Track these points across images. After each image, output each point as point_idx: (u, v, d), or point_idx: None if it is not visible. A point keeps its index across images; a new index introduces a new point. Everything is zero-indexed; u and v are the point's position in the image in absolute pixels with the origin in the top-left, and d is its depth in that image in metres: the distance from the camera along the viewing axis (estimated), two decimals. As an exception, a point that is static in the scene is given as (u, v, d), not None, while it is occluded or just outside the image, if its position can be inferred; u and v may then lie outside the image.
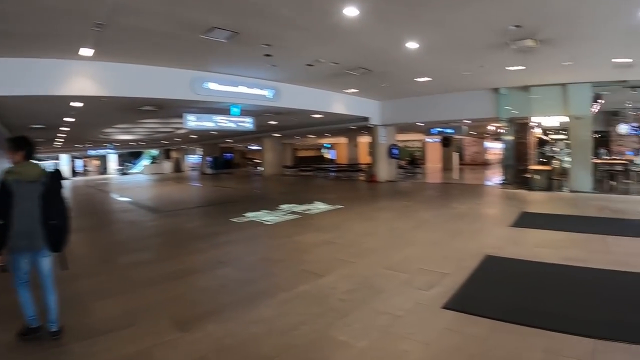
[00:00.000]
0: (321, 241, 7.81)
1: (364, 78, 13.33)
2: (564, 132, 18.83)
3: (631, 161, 16.90)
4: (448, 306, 4.53)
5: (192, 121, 13.19)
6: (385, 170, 20.50)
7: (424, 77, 13.71)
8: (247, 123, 14.33)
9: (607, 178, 14.78)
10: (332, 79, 13.50)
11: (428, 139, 32.63)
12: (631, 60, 10.98)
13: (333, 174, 27.28)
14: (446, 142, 30.30)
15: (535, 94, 15.08)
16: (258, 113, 15.59)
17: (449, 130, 20.10)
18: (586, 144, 14.44)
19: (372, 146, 20.86)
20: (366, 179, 21.40)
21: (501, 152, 18.03)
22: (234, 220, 10.24)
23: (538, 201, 12.68)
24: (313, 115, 18.57)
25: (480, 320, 4.17)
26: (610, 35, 8.90)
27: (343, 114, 17.72)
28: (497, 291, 5.06)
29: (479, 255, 6.38)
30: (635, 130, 15.64)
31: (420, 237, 7.97)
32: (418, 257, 6.60)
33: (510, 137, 17.35)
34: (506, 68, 12.12)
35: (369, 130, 20.48)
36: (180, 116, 13.29)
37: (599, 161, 16.08)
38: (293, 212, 11.20)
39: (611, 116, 19.90)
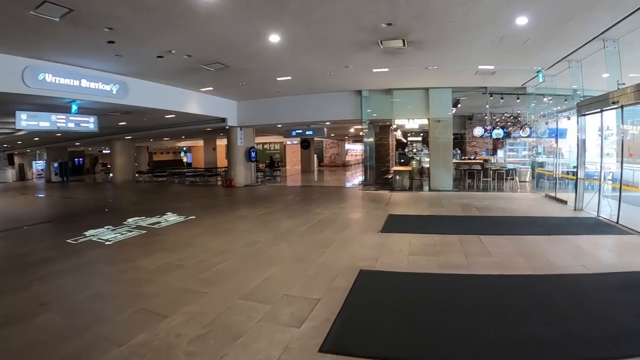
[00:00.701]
0: (167, 265, 6.20)
1: (221, 75, 11.98)
2: (424, 134, 19.48)
3: (487, 160, 17.99)
4: (326, 348, 3.38)
5: (24, 120, 10.57)
6: (243, 174, 19.34)
7: (286, 75, 12.79)
8: (90, 123, 11.95)
9: (466, 177, 15.30)
10: (186, 74, 11.88)
11: (288, 141, 32.15)
12: (493, 67, 11.38)
13: (191, 179, 25.13)
14: (305, 144, 30.22)
15: (397, 97, 15.19)
16: (103, 112, 13.21)
17: (309, 132, 19.48)
18: (447, 145, 14.92)
19: (229, 149, 19.51)
20: (224, 184, 20.01)
21: (362, 154, 17.95)
22: (71, 241, 8.11)
23: (402, 202, 12.44)
24: (167, 116, 16.60)
25: (370, 365, 3.11)
26: (482, 41, 8.90)
27: (198, 115, 16.02)
28: (381, 317, 4.04)
29: (352, 271, 5.43)
30: (489, 132, 16.59)
31: (283, 252, 6.77)
32: (282, 279, 5.40)
33: (371, 139, 17.42)
34: (373, 70, 11.81)
35: (227, 132, 19.10)
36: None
37: (458, 161, 16.79)
38: (139, 227, 9.29)
39: (467, 119, 21.24)
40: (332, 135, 31.78)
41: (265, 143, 37.87)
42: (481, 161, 17.73)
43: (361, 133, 18.01)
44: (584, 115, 9.94)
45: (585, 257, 5.88)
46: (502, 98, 14.96)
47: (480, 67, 11.38)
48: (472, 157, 19.90)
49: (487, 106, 15.47)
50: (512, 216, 9.44)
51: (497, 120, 18.72)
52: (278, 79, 13.12)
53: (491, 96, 14.80)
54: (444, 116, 14.76)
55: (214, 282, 5.28)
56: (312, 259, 6.25)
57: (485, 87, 14.34)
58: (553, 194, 12.04)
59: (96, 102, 11.33)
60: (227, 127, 18.36)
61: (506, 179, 14.81)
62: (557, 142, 12.61)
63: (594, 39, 8.46)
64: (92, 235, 8.52)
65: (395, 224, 8.84)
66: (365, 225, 9.07)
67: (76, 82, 10.29)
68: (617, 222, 8.26)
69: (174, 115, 16.30)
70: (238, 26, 7.84)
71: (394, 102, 15.17)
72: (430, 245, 6.84)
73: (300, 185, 20.32)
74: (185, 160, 43.80)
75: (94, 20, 7.20)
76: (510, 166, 16.42)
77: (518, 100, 15.28)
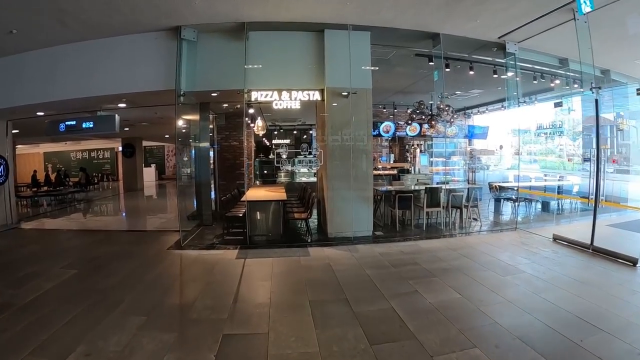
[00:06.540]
0: None
1: None
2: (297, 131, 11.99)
3: (406, 170, 10.90)
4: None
5: None
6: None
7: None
8: None
9: (394, 204, 7.66)
10: None
11: (120, 147, 20.78)
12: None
13: None
14: (129, 150, 19.77)
15: (256, 45, 6.88)
16: None
17: (87, 125, 8.76)
18: (361, 148, 7.07)
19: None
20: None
21: (190, 165, 8.67)
22: None
23: (275, 327, 3.43)
24: None
25: None
26: None
27: None
28: None
29: None
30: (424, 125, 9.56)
31: None
32: None
33: (205, 144, 8.62)
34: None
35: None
36: None
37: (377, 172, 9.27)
38: None
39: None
40: (169, 136, 21.07)
41: (92, 150, 27.10)
42: (394, 172, 10.56)
43: (184, 126, 8.55)
44: None
45: None
46: (447, 66, 7.82)
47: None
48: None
49: (438, 72, 7.99)
50: None
51: (411, 111, 11.86)
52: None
53: (431, 61, 7.58)
54: (357, 84, 6.93)
55: None
56: None
57: (438, 34, 6.98)
58: (571, 237, 6.00)
59: None
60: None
61: (465, 207, 7.62)
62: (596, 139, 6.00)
63: None
64: None
65: None
66: None
67: None
68: None
69: None
70: None
71: (248, 55, 6.82)
72: None
73: (87, 230, 9.05)
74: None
75: None
76: (438, 179, 9.62)
77: (472, 73, 8.31)
